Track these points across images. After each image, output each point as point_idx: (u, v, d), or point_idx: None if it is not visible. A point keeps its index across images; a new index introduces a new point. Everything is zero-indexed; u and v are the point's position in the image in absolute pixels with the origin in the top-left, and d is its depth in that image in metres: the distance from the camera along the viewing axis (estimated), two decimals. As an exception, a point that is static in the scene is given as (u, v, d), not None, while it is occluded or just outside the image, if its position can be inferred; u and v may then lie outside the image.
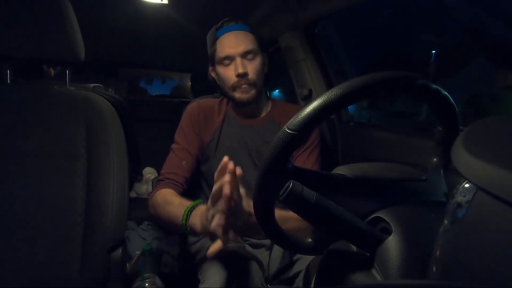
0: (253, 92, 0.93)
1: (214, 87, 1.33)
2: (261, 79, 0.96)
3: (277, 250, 0.93)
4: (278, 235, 0.52)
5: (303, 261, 0.87)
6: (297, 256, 0.91)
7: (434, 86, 0.44)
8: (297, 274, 0.88)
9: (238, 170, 0.60)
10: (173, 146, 0.97)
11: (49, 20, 0.76)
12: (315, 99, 0.40)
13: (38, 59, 0.81)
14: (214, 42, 0.95)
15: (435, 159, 0.52)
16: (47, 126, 0.77)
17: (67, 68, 0.88)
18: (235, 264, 0.82)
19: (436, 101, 0.47)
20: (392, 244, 0.40)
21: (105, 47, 2.13)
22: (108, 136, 0.80)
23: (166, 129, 1.35)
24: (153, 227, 1.70)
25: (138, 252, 1.34)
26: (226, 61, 0.92)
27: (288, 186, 0.41)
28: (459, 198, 0.31)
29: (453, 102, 0.47)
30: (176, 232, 1.34)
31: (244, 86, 0.92)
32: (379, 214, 0.44)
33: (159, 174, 0.95)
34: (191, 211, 0.72)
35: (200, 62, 1.44)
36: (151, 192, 0.91)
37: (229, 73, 0.93)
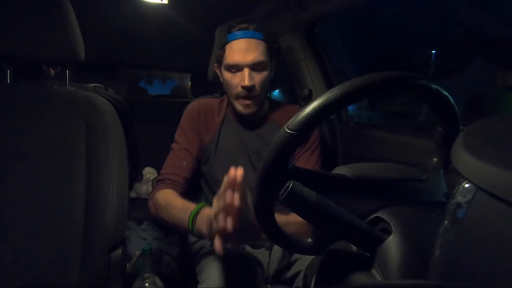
0: (255, 108, 0.93)
1: (214, 87, 1.33)
2: (266, 91, 0.95)
3: (277, 250, 0.93)
4: (278, 235, 0.51)
5: (303, 261, 0.87)
6: (297, 256, 0.91)
7: (434, 86, 0.44)
8: (297, 274, 0.88)
9: (240, 171, 0.60)
10: (173, 146, 0.97)
11: (49, 20, 0.76)
12: (315, 99, 0.40)
13: (38, 59, 0.81)
14: (223, 45, 0.92)
15: (435, 159, 0.52)
16: (47, 126, 0.77)
17: (67, 68, 0.88)
18: (234, 264, 0.82)
19: (436, 101, 0.47)
20: (392, 244, 0.40)
21: (105, 47, 2.12)
22: (108, 136, 0.80)
23: (166, 129, 1.35)
24: (153, 227, 1.70)
25: (138, 252, 1.34)
26: (233, 69, 0.90)
27: (288, 186, 0.41)
28: (459, 198, 0.31)
29: (453, 102, 0.47)
30: (176, 232, 1.34)
31: (247, 102, 0.91)
32: (379, 214, 0.44)
33: (159, 174, 0.95)
34: (196, 215, 0.72)
35: (200, 62, 1.44)
36: (151, 192, 0.91)
37: (234, 82, 0.91)
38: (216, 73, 1.00)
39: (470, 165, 0.30)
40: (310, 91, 1.40)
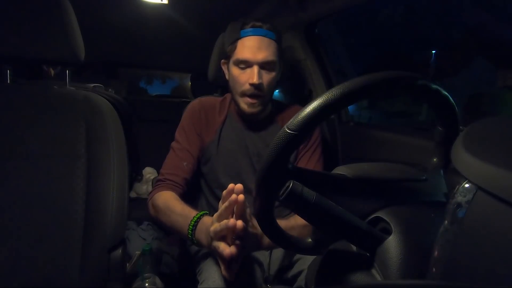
0: (260, 108, 0.92)
1: (214, 87, 1.33)
2: (272, 92, 0.95)
3: (278, 251, 0.93)
4: (278, 235, 0.51)
5: (304, 261, 0.87)
6: (298, 256, 0.91)
7: (434, 86, 0.44)
8: (297, 274, 0.88)
9: (239, 188, 0.62)
10: (174, 145, 0.97)
11: (49, 20, 0.76)
12: (315, 99, 0.40)
13: (38, 59, 0.81)
14: (235, 40, 0.91)
15: (435, 159, 0.52)
16: (47, 126, 0.77)
17: (67, 68, 0.88)
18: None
19: (436, 101, 0.47)
20: (392, 244, 0.40)
21: (105, 47, 2.13)
22: (108, 136, 0.80)
23: (166, 129, 1.35)
24: (153, 227, 1.70)
25: (138, 252, 1.34)
26: (243, 65, 0.89)
27: (288, 186, 0.41)
28: (459, 198, 0.31)
29: (453, 102, 0.47)
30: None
31: (252, 101, 0.90)
32: (379, 214, 0.44)
33: (159, 174, 0.95)
34: (196, 224, 0.72)
35: (200, 62, 1.44)
36: (150, 192, 0.91)
37: (242, 78, 0.90)
38: (216, 73, 1.00)
39: (470, 165, 0.30)
40: (310, 91, 1.40)
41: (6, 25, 0.75)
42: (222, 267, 0.64)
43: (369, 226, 0.43)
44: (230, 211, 0.63)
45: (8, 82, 0.83)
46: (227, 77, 0.98)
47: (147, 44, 2.07)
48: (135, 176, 2.15)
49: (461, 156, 0.31)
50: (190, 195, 0.97)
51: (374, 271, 0.41)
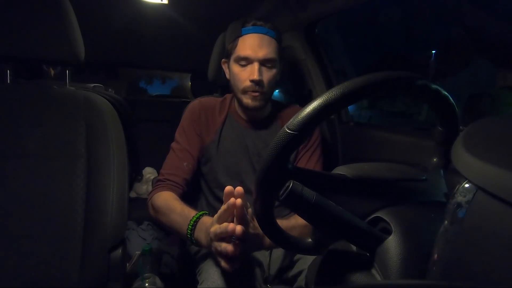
0: (262, 102, 0.93)
1: (214, 87, 1.33)
2: (272, 89, 0.96)
3: (278, 250, 0.93)
4: (278, 235, 0.51)
5: (304, 261, 0.87)
6: (298, 256, 0.91)
7: (434, 86, 0.44)
8: (298, 274, 0.88)
9: (239, 191, 0.62)
10: (174, 145, 0.97)
11: (49, 20, 0.76)
12: (315, 99, 0.40)
13: (38, 59, 0.81)
14: (236, 38, 0.92)
15: (435, 159, 0.52)
16: (47, 126, 0.77)
17: (67, 68, 0.88)
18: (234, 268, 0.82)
19: (436, 101, 0.47)
20: (392, 244, 0.40)
21: (105, 47, 2.12)
22: (108, 136, 0.80)
23: (166, 129, 1.35)
24: (153, 227, 1.70)
25: (138, 252, 1.34)
26: (243, 62, 0.90)
27: (288, 186, 0.41)
28: (459, 198, 0.31)
29: (453, 102, 0.47)
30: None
31: (255, 94, 0.90)
32: (379, 214, 0.44)
33: (159, 174, 0.95)
34: (195, 224, 0.72)
35: (200, 62, 1.44)
36: (150, 192, 0.91)
37: (243, 75, 0.91)
38: (216, 73, 1.00)
39: (470, 165, 0.30)
40: (310, 91, 1.40)
41: (6, 25, 0.75)
42: (223, 263, 0.64)
43: (369, 226, 0.43)
44: (229, 213, 0.63)
45: (8, 82, 0.83)
46: (228, 76, 0.99)
47: (147, 44, 2.07)
48: (135, 176, 2.15)
49: (461, 156, 0.31)
50: (190, 195, 0.97)
51: (374, 271, 0.41)
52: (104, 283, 0.76)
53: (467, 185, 0.30)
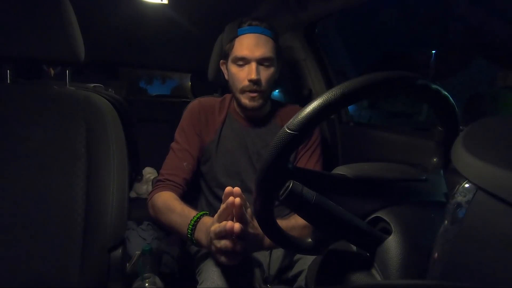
0: (260, 101, 0.93)
1: (214, 87, 1.33)
2: (271, 88, 0.96)
3: (278, 251, 0.93)
4: (278, 235, 0.51)
5: (304, 261, 0.87)
6: (298, 256, 0.91)
7: (434, 86, 0.44)
8: (298, 274, 0.88)
9: (237, 191, 0.62)
10: (173, 145, 0.97)
11: (49, 20, 0.76)
12: (315, 99, 0.40)
13: (38, 59, 0.81)
14: (233, 39, 0.92)
15: (435, 159, 0.52)
16: (47, 126, 0.77)
17: (67, 68, 0.88)
18: (234, 264, 0.82)
19: (436, 101, 0.47)
20: (392, 244, 0.40)
21: (105, 47, 2.12)
22: (108, 136, 0.80)
23: (166, 129, 1.35)
24: (153, 227, 1.70)
25: (138, 252, 1.34)
26: (241, 62, 0.91)
27: (288, 186, 0.41)
28: (459, 198, 0.31)
29: (453, 102, 0.47)
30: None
31: (253, 94, 0.91)
32: (379, 214, 0.44)
33: (159, 174, 0.95)
34: (196, 224, 0.73)
35: (200, 62, 1.44)
36: (150, 192, 0.91)
37: (241, 75, 0.91)
38: (216, 73, 1.00)
39: (470, 165, 0.30)
40: (310, 91, 1.40)
41: (6, 25, 0.75)
42: (222, 258, 0.64)
43: (369, 226, 0.43)
44: (228, 213, 0.63)
45: (8, 82, 0.83)
46: (226, 77, 0.99)
47: (147, 44, 2.07)
48: (135, 176, 2.15)
49: (461, 156, 0.31)
50: (190, 195, 0.97)
51: (374, 271, 0.41)
52: (104, 283, 0.76)
53: (467, 185, 0.30)
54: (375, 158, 1.11)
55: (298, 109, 0.42)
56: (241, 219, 0.63)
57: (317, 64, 1.40)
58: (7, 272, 0.70)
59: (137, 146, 2.03)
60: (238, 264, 0.66)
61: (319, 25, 1.40)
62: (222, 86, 1.24)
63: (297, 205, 0.43)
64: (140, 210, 1.41)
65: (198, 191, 1.05)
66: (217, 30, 1.10)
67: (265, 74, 0.91)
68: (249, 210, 0.67)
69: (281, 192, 0.42)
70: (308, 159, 0.99)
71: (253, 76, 0.88)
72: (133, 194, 2.09)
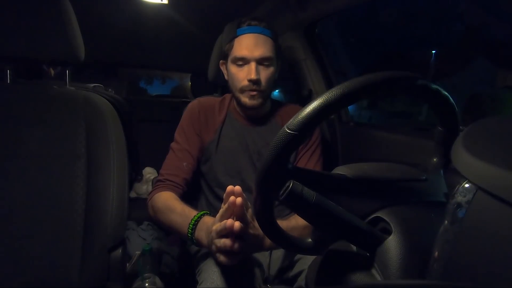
0: (260, 100, 0.93)
1: (214, 87, 1.33)
2: (271, 88, 0.96)
3: (278, 251, 0.93)
4: (278, 235, 0.51)
5: (304, 261, 0.87)
6: (298, 256, 0.91)
7: (434, 86, 0.44)
8: (298, 274, 0.88)
9: (238, 190, 0.62)
10: (173, 145, 0.97)
11: (49, 20, 0.76)
12: (315, 99, 0.40)
13: (38, 59, 0.81)
14: (232, 39, 0.93)
15: (435, 159, 0.52)
16: (47, 126, 0.77)
17: (67, 68, 0.88)
18: (233, 265, 0.82)
19: (436, 101, 0.47)
20: (392, 244, 0.40)
21: (105, 47, 2.12)
22: (108, 136, 0.80)
23: (166, 129, 1.35)
24: (153, 227, 1.70)
25: (138, 252, 1.34)
26: (240, 62, 0.91)
27: (288, 186, 0.41)
28: (459, 198, 0.31)
29: (453, 102, 0.47)
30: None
31: (253, 93, 0.91)
32: (379, 214, 0.44)
33: (159, 174, 0.95)
34: (196, 224, 0.73)
35: (200, 62, 1.44)
36: (150, 193, 0.91)
37: (241, 75, 0.91)
38: (216, 73, 1.00)
39: (470, 165, 0.30)
40: (310, 91, 1.40)
41: (6, 25, 0.75)
42: (221, 257, 0.64)
43: (369, 226, 0.43)
44: (230, 212, 0.63)
45: (8, 82, 0.83)
46: (226, 77, 0.99)
47: (147, 44, 2.07)
48: (135, 176, 2.15)
49: (461, 156, 0.31)
50: (190, 195, 0.97)
51: (374, 271, 0.41)
52: (104, 283, 0.76)
53: (467, 185, 0.30)
54: (375, 158, 1.11)
55: (298, 109, 0.41)
56: (241, 219, 0.63)
57: (317, 64, 1.40)
58: (7, 272, 0.70)
59: (137, 146, 2.03)
60: (238, 264, 0.65)
61: (319, 25, 1.40)
62: (222, 86, 1.24)
63: (297, 205, 0.43)
64: (140, 210, 1.40)
65: (198, 191, 1.05)
66: (217, 30, 1.10)
67: (265, 73, 0.91)
68: (249, 211, 0.67)
69: (281, 192, 0.42)
70: (308, 159, 0.99)
71: (253, 76, 0.88)
72: (133, 194, 2.09)
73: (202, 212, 0.75)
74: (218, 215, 0.65)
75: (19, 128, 0.76)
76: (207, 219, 0.72)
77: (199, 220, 0.73)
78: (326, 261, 0.49)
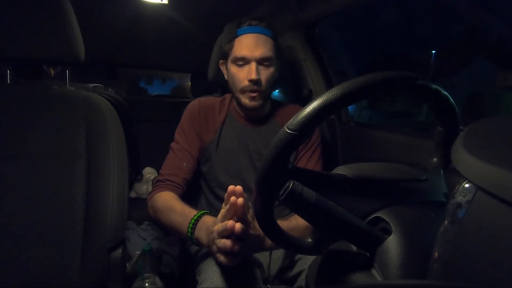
0: (261, 101, 0.93)
1: (214, 87, 1.33)
2: (271, 88, 0.96)
3: (278, 251, 0.93)
4: (278, 235, 0.51)
5: (304, 261, 0.87)
6: (298, 256, 0.91)
7: (434, 86, 0.44)
8: (298, 274, 0.88)
9: (239, 190, 0.62)
10: (173, 145, 0.97)
11: (49, 20, 0.76)
12: (315, 99, 0.40)
13: (38, 59, 0.81)
14: (232, 39, 0.93)
15: (435, 159, 0.52)
16: (47, 126, 0.77)
17: (67, 68, 0.88)
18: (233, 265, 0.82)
19: (436, 101, 0.47)
20: (392, 244, 0.40)
21: (105, 47, 2.12)
22: (108, 136, 0.80)
23: (166, 129, 1.35)
24: (153, 227, 1.70)
25: (138, 252, 1.34)
26: (241, 62, 0.91)
27: (288, 186, 0.41)
28: (459, 198, 0.31)
29: (453, 102, 0.47)
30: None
31: (253, 94, 0.91)
32: (379, 214, 0.44)
33: (159, 174, 0.95)
34: (196, 223, 0.73)
35: (200, 62, 1.44)
36: (150, 193, 0.91)
37: (241, 75, 0.91)
38: (216, 73, 1.00)
39: (470, 165, 0.30)
40: (310, 91, 1.40)
41: (6, 25, 0.75)
42: (221, 257, 0.64)
43: (369, 226, 0.43)
44: (232, 213, 0.63)
45: (8, 82, 0.83)
46: (226, 77, 0.99)
47: (147, 44, 2.07)
48: (135, 176, 2.15)
49: (461, 156, 0.31)
50: (190, 195, 0.97)
51: (374, 271, 0.41)
52: (104, 283, 0.76)
53: (467, 185, 0.30)
54: (375, 158, 1.11)
55: (298, 109, 0.41)
56: (242, 219, 0.63)
57: (317, 64, 1.40)
58: (7, 272, 0.70)
59: (137, 146, 2.03)
60: (238, 264, 0.65)
61: (319, 25, 1.40)
62: (222, 86, 1.24)
63: (297, 205, 0.43)
64: (140, 210, 1.41)
65: (198, 191, 1.05)
66: (217, 30, 1.10)
67: (265, 73, 0.91)
68: (250, 211, 0.67)
69: (281, 192, 0.42)
70: (308, 159, 0.99)
71: (253, 76, 0.88)
72: (133, 194, 2.09)
73: (202, 212, 0.75)
74: (219, 216, 0.65)
75: (19, 128, 0.76)
76: (207, 219, 0.72)
77: (199, 220, 0.73)
78: (326, 261, 0.49)
